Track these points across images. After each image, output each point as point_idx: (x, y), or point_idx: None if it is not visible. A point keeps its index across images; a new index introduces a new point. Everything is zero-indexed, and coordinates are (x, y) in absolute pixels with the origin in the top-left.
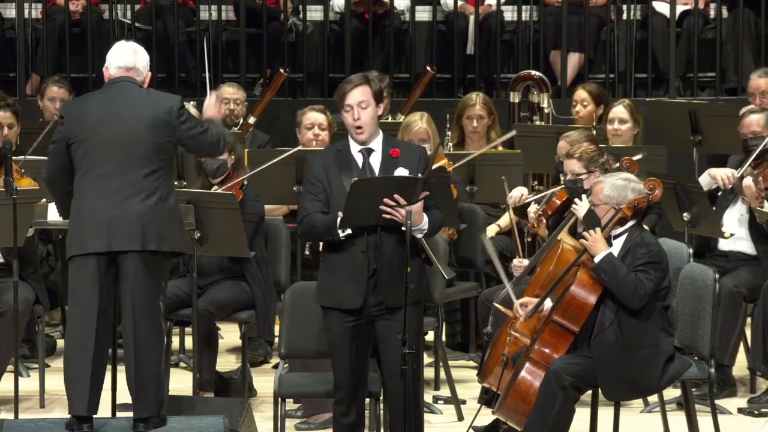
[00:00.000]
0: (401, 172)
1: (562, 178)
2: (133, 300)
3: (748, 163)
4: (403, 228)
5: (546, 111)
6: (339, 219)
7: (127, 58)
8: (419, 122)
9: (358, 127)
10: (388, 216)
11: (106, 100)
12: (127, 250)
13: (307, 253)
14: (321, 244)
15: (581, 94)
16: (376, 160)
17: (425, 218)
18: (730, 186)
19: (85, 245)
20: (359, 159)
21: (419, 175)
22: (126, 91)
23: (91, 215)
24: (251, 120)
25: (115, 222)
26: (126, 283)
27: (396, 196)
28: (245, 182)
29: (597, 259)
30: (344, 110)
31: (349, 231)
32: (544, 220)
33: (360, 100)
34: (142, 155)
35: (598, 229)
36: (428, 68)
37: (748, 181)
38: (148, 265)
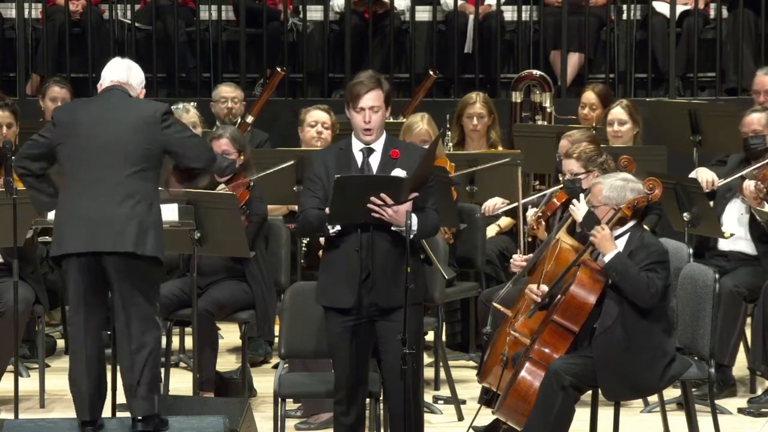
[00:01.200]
0: (398, 173)
1: (561, 178)
2: (122, 301)
3: (752, 167)
4: (394, 228)
5: (548, 110)
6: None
7: (121, 74)
8: (420, 123)
9: (368, 129)
10: (376, 215)
11: (96, 105)
12: (105, 251)
13: (302, 261)
14: (322, 242)
15: (590, 96)
16: (375, 160)
17: (414, 219)
18: (707, 191)
19: (65, 245)
20: (359, 158)
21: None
22: (115, 97)
23: (72, 216)
24: (249, 119)
25: (96, 222)
26: (112, 285)
27: (383, 195)
28: (251, 183)
29: (607, 258)
30: (355, 111)
31: (338, 227)
32: (543, 222)
33: (372, 105)
34: (125, 158)
35: (605, 227)
36: (430, 72)
37: (747, 182)
38: (131, 266)
